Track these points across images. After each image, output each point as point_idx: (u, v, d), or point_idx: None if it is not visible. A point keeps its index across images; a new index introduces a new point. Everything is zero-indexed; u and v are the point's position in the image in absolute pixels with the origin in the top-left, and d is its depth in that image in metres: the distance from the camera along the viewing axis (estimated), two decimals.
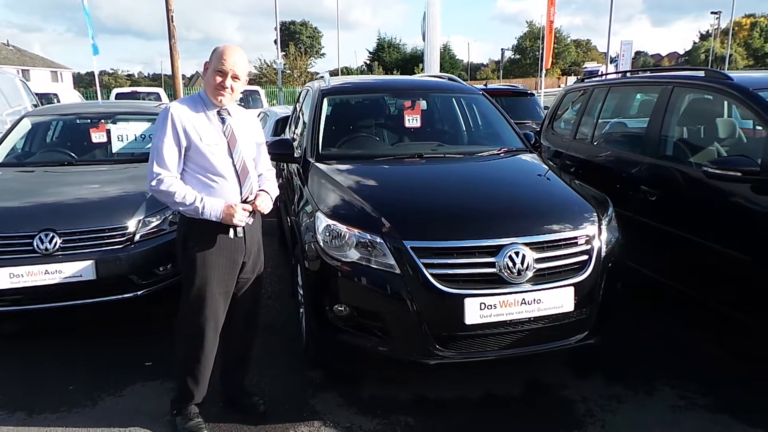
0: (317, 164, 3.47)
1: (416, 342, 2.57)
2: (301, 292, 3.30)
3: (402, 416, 2.72)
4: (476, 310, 2.50)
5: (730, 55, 56.04)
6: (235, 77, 2.36)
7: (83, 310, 3.67)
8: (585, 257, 2.71)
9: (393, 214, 2.74)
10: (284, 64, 41.36)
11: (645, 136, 4.01)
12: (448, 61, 47.27)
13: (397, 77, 5.17)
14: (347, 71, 45.91)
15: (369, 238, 2.64)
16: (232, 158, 2.43)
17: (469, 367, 3.02)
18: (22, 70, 41.60)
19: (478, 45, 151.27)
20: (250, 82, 27.87)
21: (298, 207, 3.41)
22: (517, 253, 2.56)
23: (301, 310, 3.36)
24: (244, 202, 2.48)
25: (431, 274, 2.52)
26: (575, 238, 2.72)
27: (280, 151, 3.82)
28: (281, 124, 8.33)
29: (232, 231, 2.44)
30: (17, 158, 5.03)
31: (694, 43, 71.41)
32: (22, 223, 3.56)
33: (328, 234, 2.76)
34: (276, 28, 26.19)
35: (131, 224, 3.70)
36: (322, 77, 4.42)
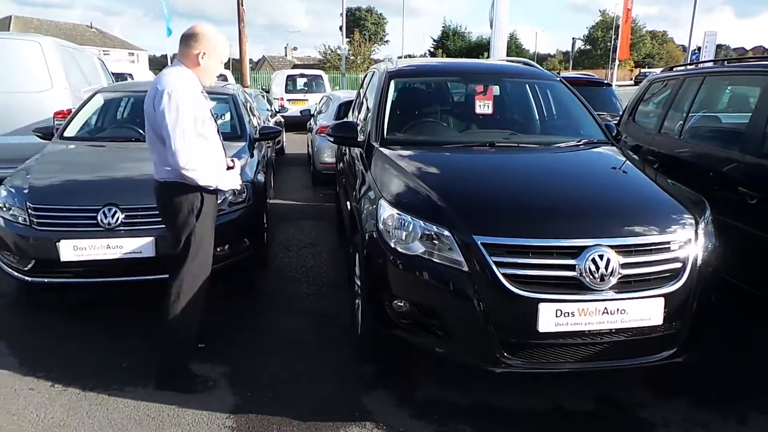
0: (382, 149, 3.29)
1: (481, 347, 2.36)
2: (359, 283, 3.15)
3: (461, 424, 2.52)
4: (551, 317, 2.25)
5: None
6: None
7: (143, 286, 3.69)
8: (678, 265, 2.40)
9: (463, 205, 2.52)
10: (348, 50, 41.51)
11: (746, 132, 3.58)
12: (513, 50, 45.94)
13: (467, 60, 4.86)
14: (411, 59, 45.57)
15: (435, 230, 2.44)
16: (217, 130, 2.83)
17: (535, 376, 2.78)
18: (103, 51, 43.78)
19: (547, 35, 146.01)
20: (314, 67, 28.05)
21: (359, 193, 3.25)
22: (601, 257, 2.29)
23: (357, 301, 3.22)
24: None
25: (502, 274, 2.29)
26: (668, 242, 2.42)
27: (343, 134, 3.66)
28: (344, 108, 8.24)
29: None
30: (89, 133, 5.14)
31: None
32: (88, 197, 3.59)
33: (391, 223, 2.58)
34: (342, 14, 26.33)
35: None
36: (389, 59, 4.22)
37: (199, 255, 2.73)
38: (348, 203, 3.94)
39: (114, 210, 3.50)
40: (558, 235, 2.34)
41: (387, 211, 2.62)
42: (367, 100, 4.57)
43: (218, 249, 3.77)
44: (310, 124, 10.30)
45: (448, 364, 2.72)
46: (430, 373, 2.91)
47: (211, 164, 2.67)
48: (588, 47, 60.30)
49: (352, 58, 39.92)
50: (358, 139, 3.62)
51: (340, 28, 53.84)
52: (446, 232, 2.41)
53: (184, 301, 2.71)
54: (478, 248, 2.33)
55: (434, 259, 2.42)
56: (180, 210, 2.67)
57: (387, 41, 56.91)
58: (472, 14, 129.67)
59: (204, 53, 2.61)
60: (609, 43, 58.54)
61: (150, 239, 3.50)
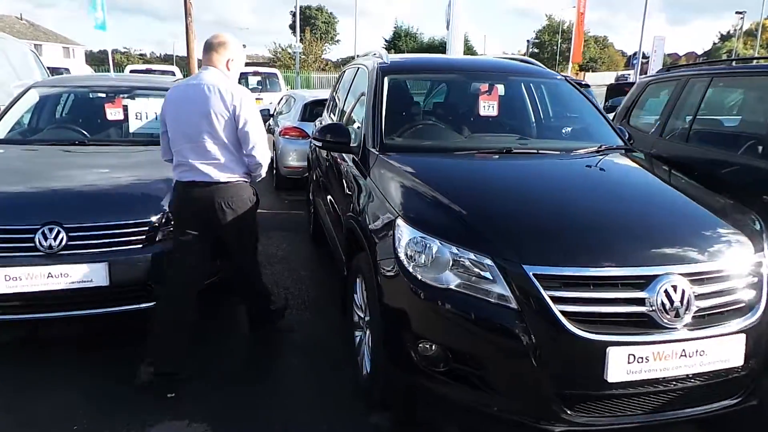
0: (383, 156, 2.82)
1: (535, 400, 1.93)
2: (361, 314, 2.67)
3: None
4: (623, 364, 1.85)
5: (753, 57, 54.77)
6: None
7: (94, 321, 3.07)
8: (754, 292, 2.06)
9: (505, 227, 2.09)
10: (300, 48, 40.62)
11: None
12: (467, 53, 46.29)
13: (467, 57, 4.43)
14: None
15: (473, 257, 2.00)
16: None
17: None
18: (35, 44, 40.98)
19: (494, 39, 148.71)
20: (265, 65, 27.12)
21: (358, 206, 2.76)
22: (674, 287, 1.91)
23: (358, 334, 2.74)
24: None
25: (561, 312, 1.87)
26: (742, 265, 2.07)
27: (334, 138, 3.16)
28: (310, 107, 7.69)
29: None
30: (21, 134, 4.41)
31: (714, 43, 69.91)
32: (23, 214, 2.94)
33: (414, 248, 2.12)
34: (295, 12, 25.50)
35: (154, 218, 3.08)
36: (376, 54, 3.75)
37: (252, 242, 3.12)
38: (337, 215, 3.45)
39: (56, 230, 2.87)
40: (623, 263, 1.95)
41: (408, 233, 2.16)
42: (346, 101, 4.08)
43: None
44: (270, 124, 9.68)
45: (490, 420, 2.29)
46: (458, 422, 2.47)
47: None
48: (536, 51, 61.70)
49: (303, 57, 39.03)
50: (351, 145, 3.13)
51: (290, 26, 52.95)
52: (487, 261, 1.97)
53: (260, 279, 3.23)
54: (530, 280, 1.90)
55: (472, 293, 1.98)
56: (250, 206, 2.88)
57: (338, 41, 56.22)
58: (424, 15, 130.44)
59: (231, 59, 2.80)
60: (556, 47, 60.13)
61: (103, 264, 2.90)
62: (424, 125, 3.29)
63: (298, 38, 22.92)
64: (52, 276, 2.82)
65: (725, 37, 66.77)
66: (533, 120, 3.56)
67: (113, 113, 4.43)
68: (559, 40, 58.83)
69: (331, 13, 54.56)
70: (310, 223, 5.40)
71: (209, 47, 2.79)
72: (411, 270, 2.11)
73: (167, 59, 53.46)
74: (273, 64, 36.23)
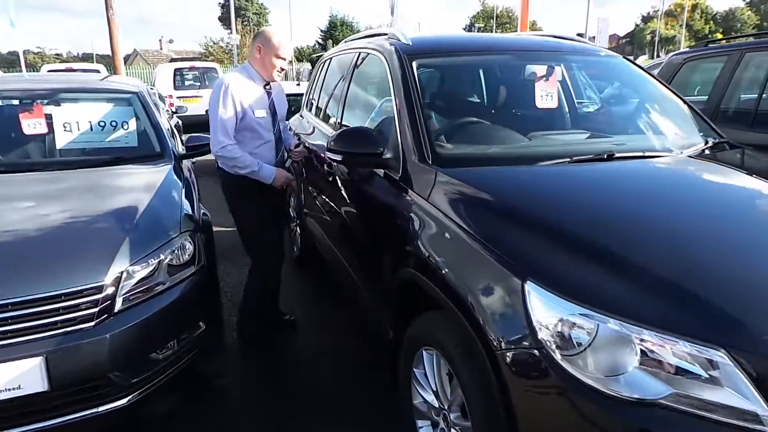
0: (445, 173, 1.97)
1: None
2: (436, 402, 1.85)
3: None
4: None
5: (673, 37, 57.34)
6: (286, 60, 2.89)
7: None
8: None
9: (730, 294, 1.30)
10: (237, 40, 38.50)
11: None
12: None
13: (502, 36, 3.58)
14: (300, 51, 43.45)
15: (692, 349, 1.21)
16: (273, 127, 2.93)
17: None
18: None
19: (428, 26, 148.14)
20: (198, 59, 25.23)
21: (421, 248, 1.90)
22: None
23: (425, 427, 1.91)
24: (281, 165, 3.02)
25: None
26: None
27: (356, 149, 2.29)
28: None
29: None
30: None
31: (637, 25, 72.59)
32: None
33: (569, 332, 1.31)
34: (224, 4, 23.87)
35: (107, 279, 2.11)
36: (388, 35, 2.88)
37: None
38: (359, 250, 2.59)
39: None
40: None
41: (555, 307, 1.33)
42: (346, 98, 3.19)
43: (160, 351, 2.30)
44: None
45: None
46: None
47: (254, 156, 2.88)
48: None
49: (233, 50, 37.05)
50: (385, 156, 2.26)
51: (220, 18, 50.44)
52: (719, 355, 1.19)
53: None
54: None
55: (695, 410, 1.19)
56: (229, 197, 3.05)
57: None
58: (359, 4, 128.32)
59: (259, 50, 2.83)
60: (491, 32, 60.53)
61: (36, 361, 1.92)
62: (476, 125, 2.45)
63: (234, 29, 21.34)
64: None
65: (647, 18, 69.48)
66: (600, 111, 2.80)
67: (32, 125, 3.33)
68: (494, 25, 59.23)
69: (261, 3, 52.42)
70: (294, 244, 4.48)
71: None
72: (570, 368, 1.29)
73: (86, 58, 49.64)
74: (205, 59, 34.19)
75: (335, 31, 46.65)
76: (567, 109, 2.73)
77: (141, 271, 2.24)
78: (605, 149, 2.14)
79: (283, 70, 2.87)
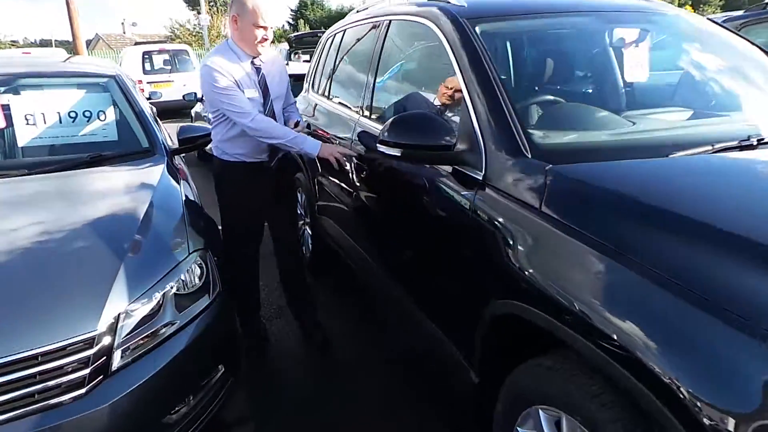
0: (566, 171, 1.47)
1: None
2: None
3: None
4: None
5: None
6: (270, 28, 2.38)
7: None
8: None
9: None
10: (198, 23, 36.93)
11: None
12: None
13: None
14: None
15: None
16: (264, 108, 2.45)
17: None
18: None
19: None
20: (164, 42, 23.92)
21: (534, 276, 1.40)
22: None
23: None
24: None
25: None
26: None
27: (421, 140, 1.77)
28: None
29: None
30: None
31: None
32: None
33: None
34: None
35: (101, 326, 1.56)
36: None
37: None
38: (429, 283, 2.08)
39: None
40: None
41: None
42: (376, 74, 2.64)
43: (173, 411, 1.76)
44: (198, 111, 7.88)
45: None
46: None
47: (245, 140, 2.49)
48: None
49: (200, 32, 35.66)
50: (458, 149, 1.74)
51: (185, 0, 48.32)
52: None
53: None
54: None
55: None
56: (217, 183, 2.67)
57: None
58: None
59: (235, 21, 2.37)
60: None
61: None
62: (562, 105, 1.94)
63: (203, 10, 20.21)
64: None
65: None
66: (697, 84, 2.31)
67: None
68: None
69: None
70: (303, 246, 3.93)
71: None
72: None
73: (45, 44, 47.21)
74: (171, 42, 32.79)
75: (305, 10, 45.30)
76: (664, 82, 2.23)
77: (142, 309, 1.70)
78: (747, 132, 1.66)
79: (265, 40, 2.38)
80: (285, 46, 16.44)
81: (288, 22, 46.71)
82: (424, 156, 1.82)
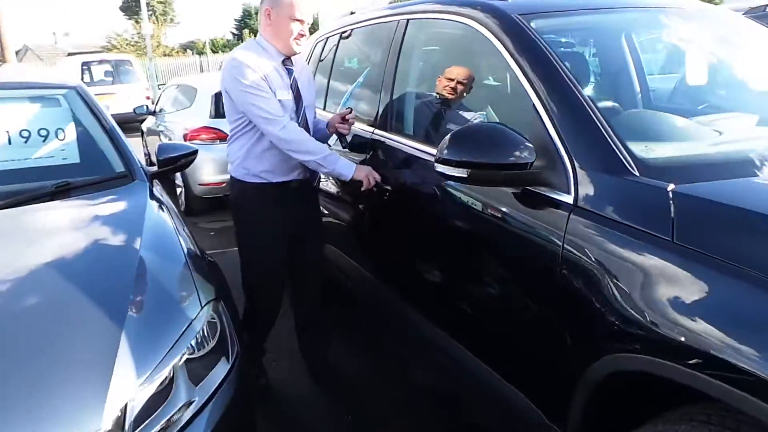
0: (695, 192, 1.20)
1: None
2: None
3: None
4: None
5: None
6: (307, 22, 2.12)
7: None
8: None
9: None
10: (137, 34, 35.32)
11: None
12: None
13: None
14: (213, 42, 40.82)
15: None
16: (297, 116, 2.15)
17: None
18: None
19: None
20: (100, 52, 22.53)
21: (656, 329, 1.12)
22: None
23: None
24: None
25: None
26: None
27: (494, 158, 1.45)
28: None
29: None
30: None
31: None
32: None
33: None
34: None
35: (105, 424, 1.16)
36: None
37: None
38: (504, 330, 1.76)
39: None
40: None
41: None
42: (394, 87, 2.30)
43: None
44: (151, 126, 7.31)
45: None
46: None
47: (273, 153, 2.14)
48: None
49: (139, 42, 34.17)
50: (537, 167, 1.44)
51: (121, 8, 46.28)
52: None
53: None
54: None
55: None
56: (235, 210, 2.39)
57: (178, 22, 50.64)
58: None
59: (268, 15, 2.13)
60: None
61: None
62: (643, 112, 1.69)
63: (146, 18, 19.15)
64: None
65: None
66: (749, 86, 2.10)
67: None
68: None
69: None
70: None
71: None
72: None
73: None
74: (108, 52, 31.24)
75: (250, 20, 44.43)
76: (722, 84, 2.01)
77: (149, 387, 1.30)
78: None
79: (302, 36, 2.12)
80: None
81: (232, 32, 45.67)
82: (496, 177, 1.50)
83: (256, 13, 42.18)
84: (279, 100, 2.07)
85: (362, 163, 2.27)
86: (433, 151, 1.61)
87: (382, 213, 2.22)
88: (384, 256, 2.33)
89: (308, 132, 2.17)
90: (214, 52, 37.61)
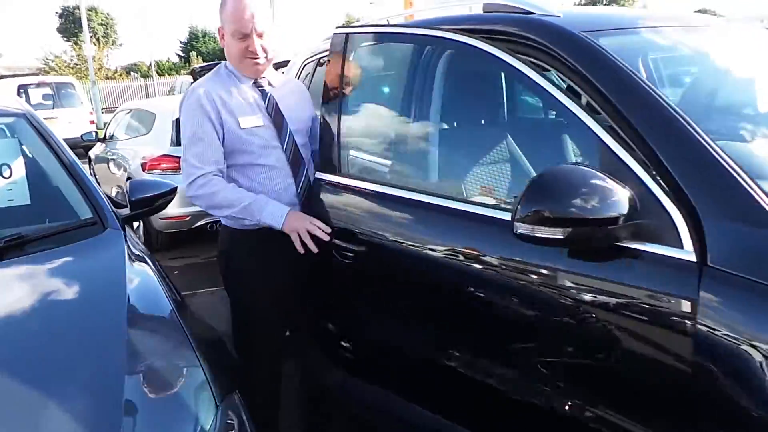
0: None
1: None
2: None
3: None
4: None
5: None
6: (260, 35, 1.73)
7: None
8: None
9: None
10: (76, 56, 33.71)
11: None
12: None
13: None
14: (159, 65, 39.52)
15: None
16: (280, 143, 1.79)
17: None
18: None
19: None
20: (36, 74, 21.15)
21: None
22: None
23: None
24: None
25: None
26: None
27: (578, 212, 1.14)
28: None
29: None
30: None
31: None
32: None
33: None
34: (64, 14, 20.20)
35: None
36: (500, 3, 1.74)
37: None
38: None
39: None
40: None
41: None
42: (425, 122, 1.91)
43: None
44: (99, 154, 6.70)
45: None
46: None
47: (257, 191, 1.79)
48: None
49: (79, 64, 32.63)
50: (635, 219, 1.15)
51: (59, 29, 44.28)
52: None
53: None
54: None
55: None
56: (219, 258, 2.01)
57: (120, 44, 48.96)
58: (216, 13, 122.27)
59: (221, 35, 1.83)
60: None
61: None
62: (738, 145, 1.43)
63: (87, 39, 18.13)
64: None
65: None
66: None
67: None
68: None
69: (107, 14, 47.27)
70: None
71: None
72: None
73: None
74: (45, 74, 29.62)
75: (197, 42, 43.49)
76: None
77: None
78: None
79: (251, 52, 1.73)
80: (188, 78, 15.27)
81: (178, 55, 44.53)
82: (593, 235, 1.19)
83: (204, 36, 41.27)
84: (244, 129, 1.75)
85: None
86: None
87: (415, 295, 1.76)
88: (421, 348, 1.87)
89: (300, 159, 1.82)
90: (160, 75, 36.46)
